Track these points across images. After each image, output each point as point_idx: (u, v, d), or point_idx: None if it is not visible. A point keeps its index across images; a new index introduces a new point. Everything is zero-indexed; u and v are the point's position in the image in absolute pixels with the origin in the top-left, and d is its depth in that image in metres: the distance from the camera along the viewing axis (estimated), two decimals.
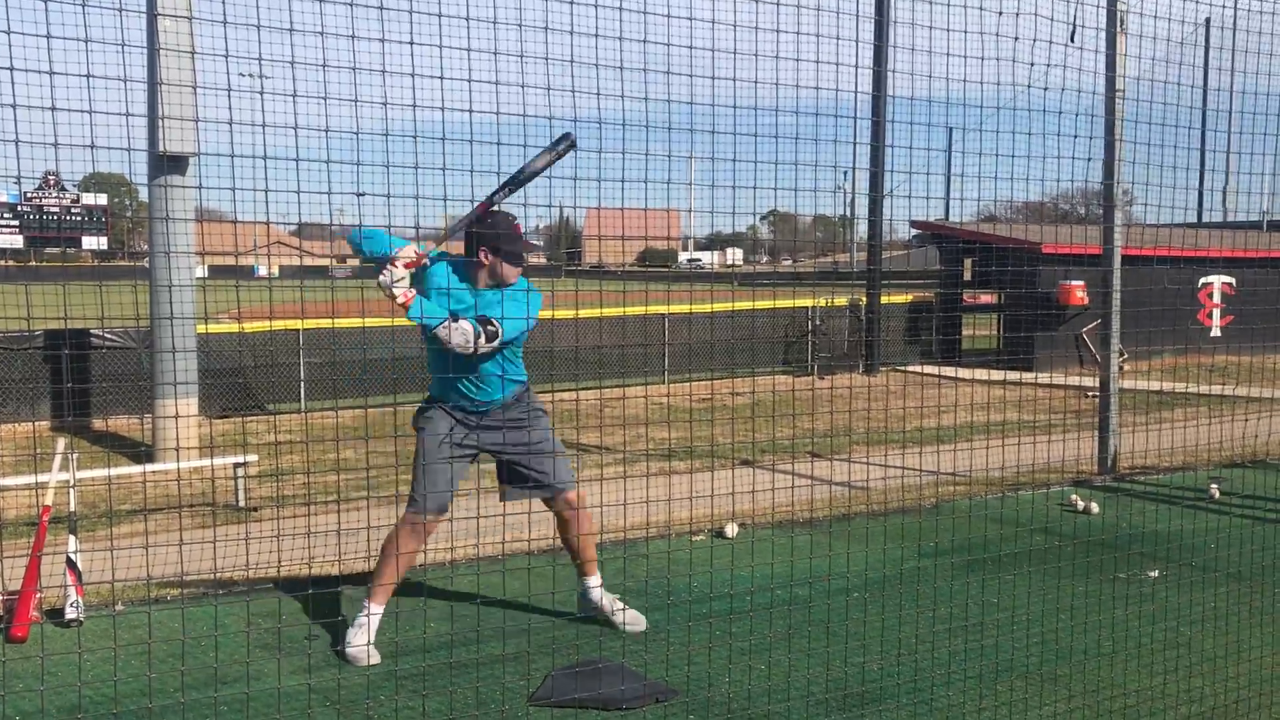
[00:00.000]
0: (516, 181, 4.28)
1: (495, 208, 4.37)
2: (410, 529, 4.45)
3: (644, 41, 3.23)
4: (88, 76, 2.52)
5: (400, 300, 4.15)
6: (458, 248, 4.52)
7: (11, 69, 2.52)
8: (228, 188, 2.88)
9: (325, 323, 11.99)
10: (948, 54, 3.60)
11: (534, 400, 4.67)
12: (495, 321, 4.33)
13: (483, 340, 4.31)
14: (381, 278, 4.14)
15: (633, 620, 4.71)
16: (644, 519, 5.98)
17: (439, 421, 4.49)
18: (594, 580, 4.77)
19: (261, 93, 2.73)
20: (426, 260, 4.28)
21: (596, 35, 3.13)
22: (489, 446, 4.58)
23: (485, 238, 4.37)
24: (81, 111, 2.58)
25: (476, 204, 4.28)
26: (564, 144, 4.20)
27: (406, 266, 4.17)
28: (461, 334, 4.26)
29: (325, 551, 5.42)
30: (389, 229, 4.33)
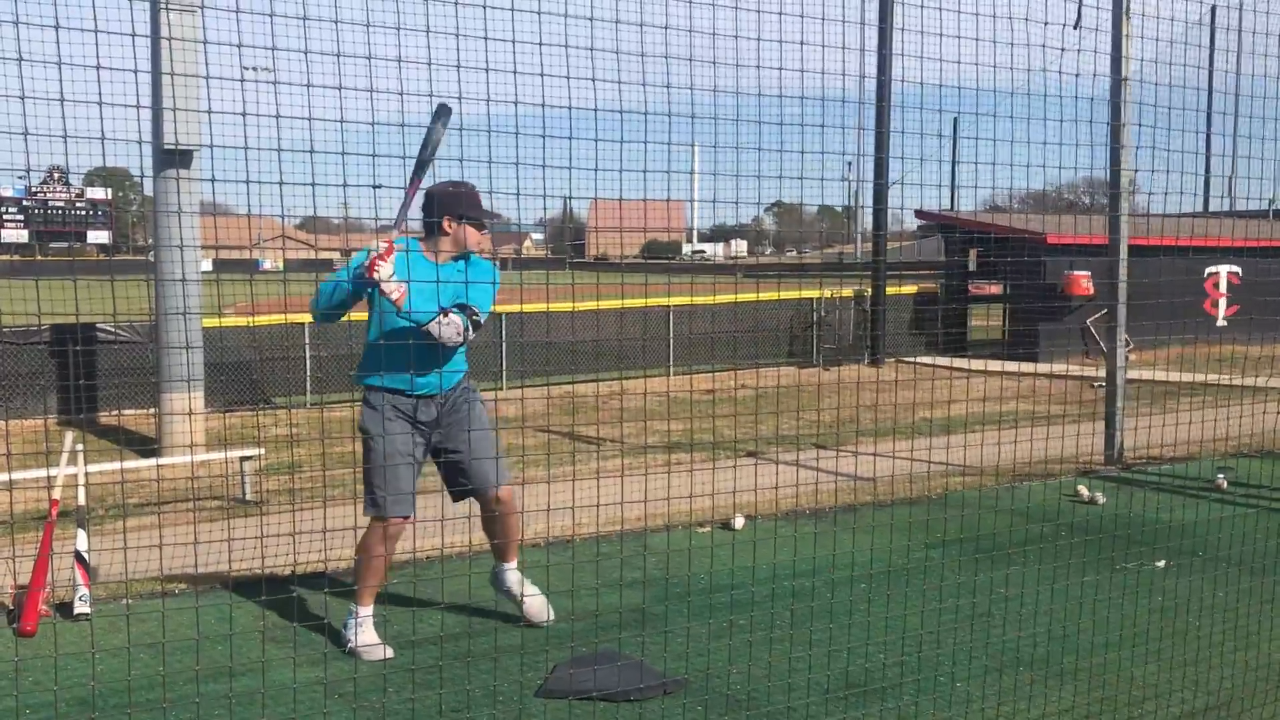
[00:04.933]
0: (425, 160, 4.13)
1: (421, 186, 4.23)
2: (379, 534, 4.39)
3: (640, 26, 3.20)
4: (96, 67, 2.52)
5: (395, 296, 4.06)
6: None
7: (20, 59, 2.52)
8: (236, 180, 2.88)
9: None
10: (958, 36, 3.57)
11: (474, 395, 4.58)
12: (477, 309, 4.31)
13: (471, 333, 4.27)
14: (374, 275, 4.01)
15: (536, 611, 4.66)
16: (650, 511, 5.99)
17: (392, 423, 4.37)
18: (511, 564, 4.71)
19: (274, 83, 2.73)
20: (402, 247, 4.12)
21: (591, 20, 3.10)
22: (436, 446, 4.50)
23: (447, 205, 4.30)
24: (90, 103, 2.58)
25: (406, 188, 4.14)
26: (445, 115, 4.06)
27: (386, 255, 4.02)
28: (453, 328, 4.20)
29: (335, 543, 5.43)
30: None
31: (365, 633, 4.38)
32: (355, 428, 4.51)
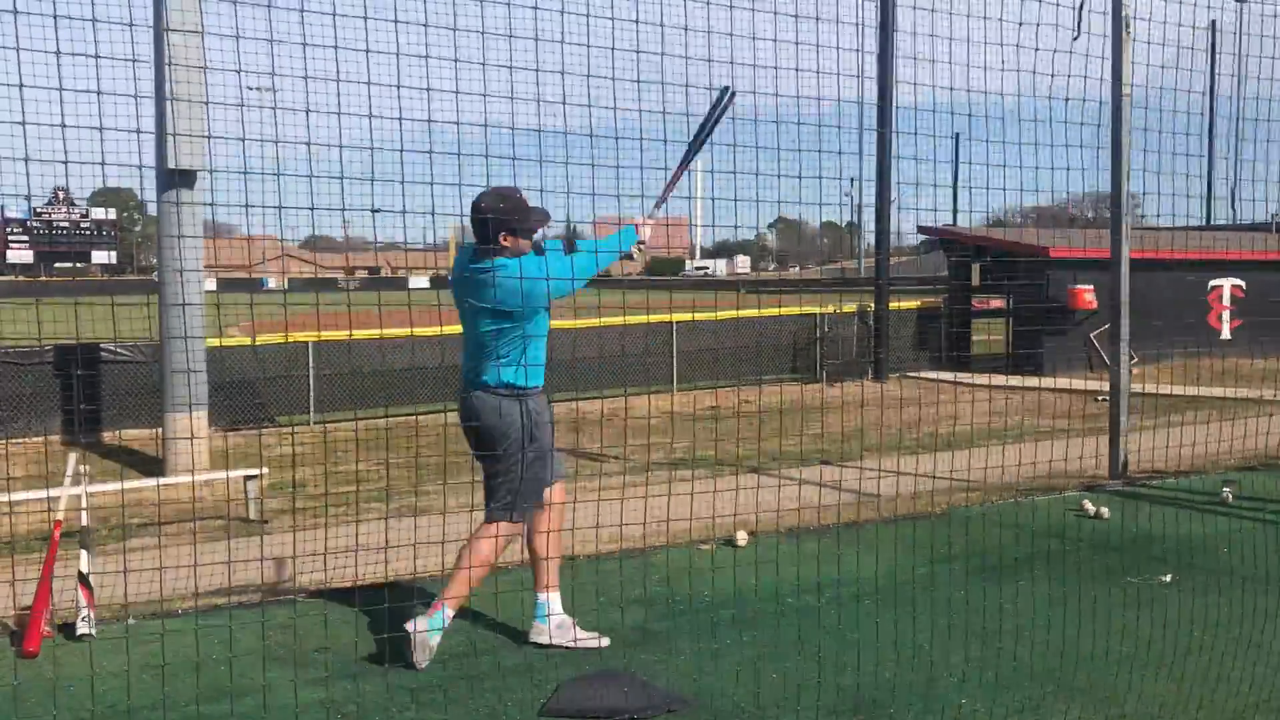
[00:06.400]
0: (701, 141, 4.43)
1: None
2: (505, 540, 4.47)
3: (638, 52, 3.22)
4: (98, 93, 2.54)
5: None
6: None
7: (21, 85, 2.54)
8: (238, 205, 2.89)
9: (337, 335, 12.02)
10: (951, 62, 3.60)
11: None
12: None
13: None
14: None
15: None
16: (653, 529, 5.97)
17: (537, 426, 4.48)
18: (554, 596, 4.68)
19: (276, 107, 2.74)
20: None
21: (588, 46, 3.12)
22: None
23: (502, 222, 4.34)
24: (92, 129, 2.59)
25: (675, 168, 4.46)
26: (727, 97, 4.35)
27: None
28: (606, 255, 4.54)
29: (338, 562, 5.42)
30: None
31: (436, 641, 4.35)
32: (473, 424, 4.48)
